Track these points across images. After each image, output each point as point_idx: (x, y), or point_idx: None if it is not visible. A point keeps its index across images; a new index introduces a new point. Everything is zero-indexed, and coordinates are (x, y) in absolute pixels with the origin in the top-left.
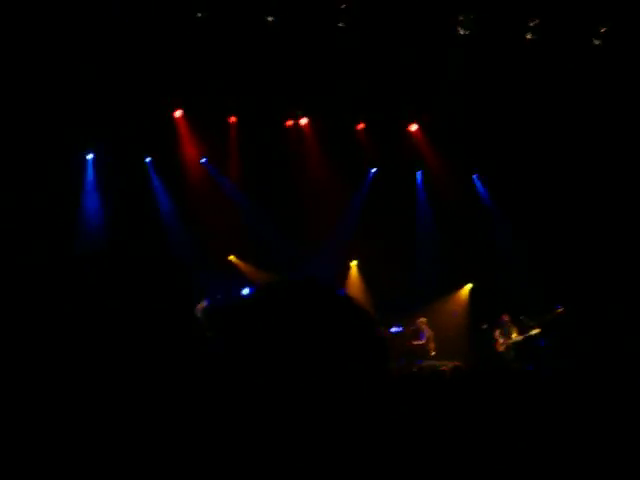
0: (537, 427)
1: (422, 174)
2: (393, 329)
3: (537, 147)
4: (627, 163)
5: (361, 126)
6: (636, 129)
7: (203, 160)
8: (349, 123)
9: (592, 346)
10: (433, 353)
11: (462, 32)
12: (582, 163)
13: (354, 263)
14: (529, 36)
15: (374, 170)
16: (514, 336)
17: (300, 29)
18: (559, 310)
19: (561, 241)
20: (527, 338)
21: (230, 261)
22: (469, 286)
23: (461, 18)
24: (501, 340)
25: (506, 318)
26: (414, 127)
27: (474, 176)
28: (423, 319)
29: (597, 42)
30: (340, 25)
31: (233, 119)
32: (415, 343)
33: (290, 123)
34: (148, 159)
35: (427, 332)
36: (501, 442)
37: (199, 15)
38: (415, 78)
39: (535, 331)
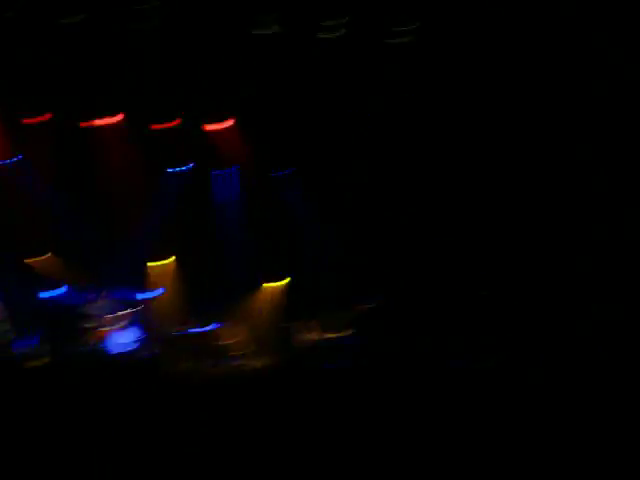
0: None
1: (231, 170)
2: (206, 327)
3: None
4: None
5: (174, 123)
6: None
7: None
8: (162, 119)
9: (396, 344)
10: (245, 351)
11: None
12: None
13: (169, 259)
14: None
15: (187, 167)
16: (317, 333)
17: (102, 26)
18: (366, 305)
19: (372, 234)
20: (330, 336)
21: (43, 259)
22: (283, 282)
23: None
24: (301, 336)
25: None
26: (227, 123)
27: (287, 171)
28: (227, 321)
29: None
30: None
31: (39, 118)
32: (228, 341)
33: (102, 122)
34: None
35: (236, 331)
36: (311, 436)
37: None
38: (224, 74)
39: (337, 330)
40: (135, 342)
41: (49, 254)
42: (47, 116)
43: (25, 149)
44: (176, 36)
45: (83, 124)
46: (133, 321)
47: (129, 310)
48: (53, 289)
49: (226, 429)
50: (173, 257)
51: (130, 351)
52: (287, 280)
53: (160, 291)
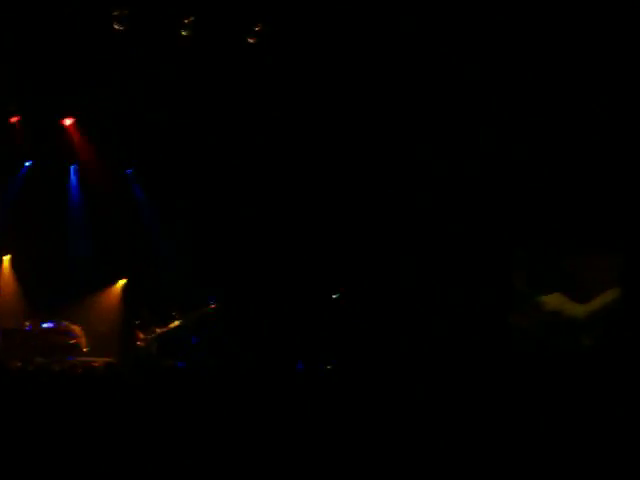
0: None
1: (76, 168)
2: (45, 325)
3: (189, 145)
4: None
5: (15, 118)
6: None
7: None
8: (3, 115)
9: (241, 343)
10: (85, 349)
11: (117, 27)
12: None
13: (6, 257)
14: (184, 32)
15: (28, 163)
16: (157, 330)
17: None
18: (212, 305)
19: (213, 235)
20: (168, 331)
21: None
22: (122, 281)
23: (116, 13)
24: (141, 335)
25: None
26: (69, 121)
27: (128, 171)
28: (67, 319)
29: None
30: None
31: None
32: (68, 340)
33: None
34: None
35: (75, 330)
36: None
37: None
38: (72, 71)
39: (174, 323)
40: None
41: None
42: None
43: None
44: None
45: None
46: None
47: None
48: None
49: (57, 427)
50: (8, 256)
51: None
52: (124, 281)
53: None
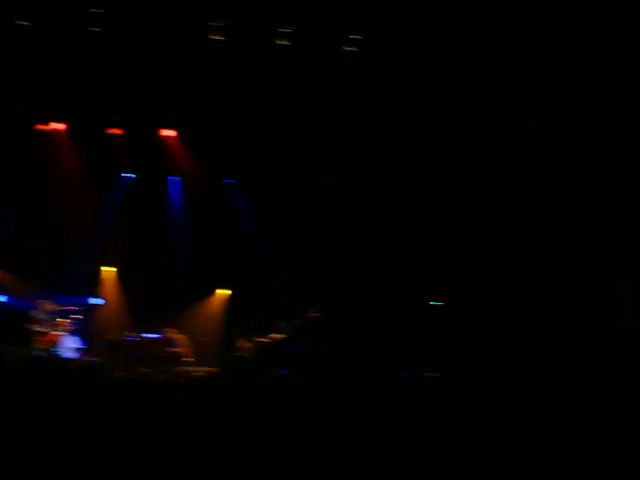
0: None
1: (177, 180)
2: (148, 335)
3: (288, 154)
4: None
5: (117, 132)
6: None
7: None
8: (105, 128)
9: (345, 350)
10: (189, 359)
11: (215, 38)
12: (330, 168)
13: (110, 269)
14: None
15: (130, 175)
16: (259, 339)
17: (54, 33)
18: (314, 314)
19: (314, 244)
20: (270, 340)
21: None
22: (224, 291)
23: (213, 24)
24: (243, 344)
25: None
26: (170, 133)
27: (229, 181)
28: (170, 329)
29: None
30: (96, 30)
31: None
32: (171, 350)
33: (45, 128)
34: None
35: (179, 340)
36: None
37: None
38: (171, 84)
39: (276, 333)
40: (79, 347)
41: None
42: None
43: None
44: (126, 40)
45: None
46: (76, 328)
47: (72, 317)
48: None
49: (165, 436)
50: (114, 269)
51: (74, 356)
52: (227, 291)
53: (101, 301)
